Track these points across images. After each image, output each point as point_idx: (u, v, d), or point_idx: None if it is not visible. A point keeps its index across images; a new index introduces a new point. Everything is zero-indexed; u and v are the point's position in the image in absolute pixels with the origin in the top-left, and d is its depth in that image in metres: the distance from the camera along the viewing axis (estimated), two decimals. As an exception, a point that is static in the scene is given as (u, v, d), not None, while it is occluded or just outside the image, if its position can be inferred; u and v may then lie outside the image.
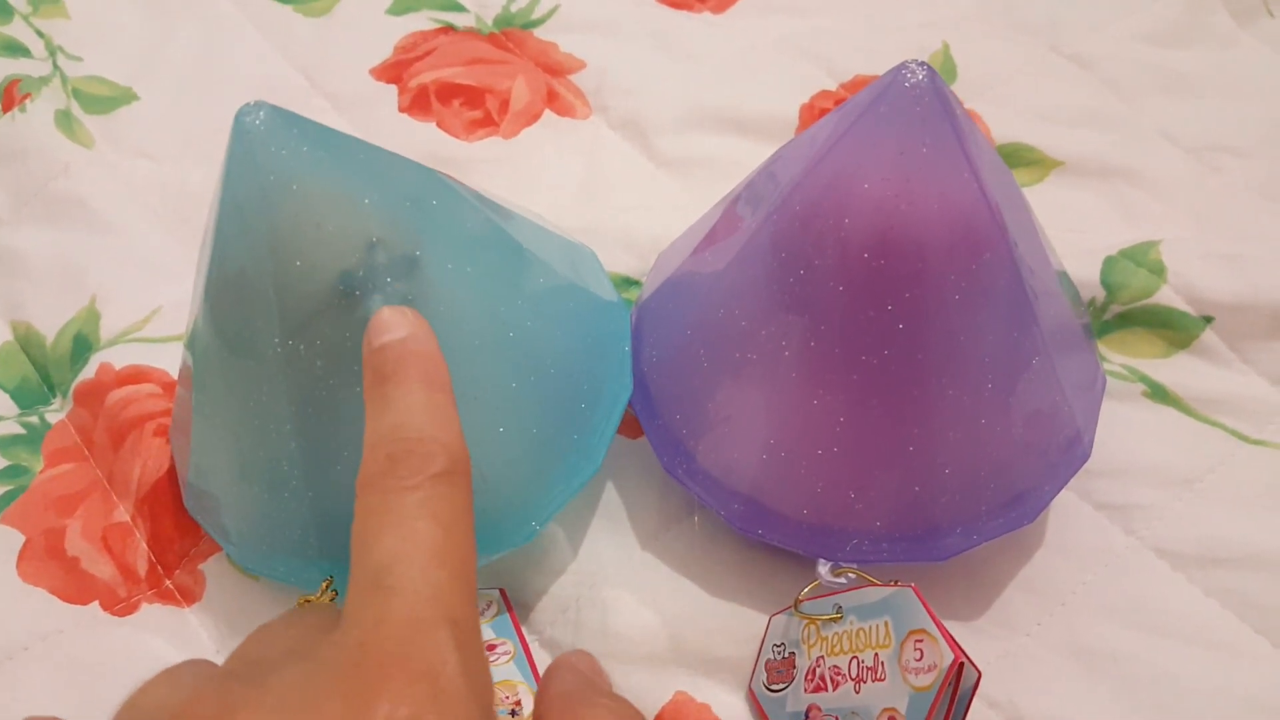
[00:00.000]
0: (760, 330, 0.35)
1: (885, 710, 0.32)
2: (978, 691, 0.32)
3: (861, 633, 0.34)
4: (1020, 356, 0.35)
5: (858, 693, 0.33)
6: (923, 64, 0.32)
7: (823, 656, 0.35)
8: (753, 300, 0.36)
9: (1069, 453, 0.38)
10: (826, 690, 0.34)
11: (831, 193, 0.33)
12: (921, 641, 0.32)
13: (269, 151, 0.32)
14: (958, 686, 0.31)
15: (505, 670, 0.36)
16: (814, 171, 0.34)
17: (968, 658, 0.31)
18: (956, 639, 0.31)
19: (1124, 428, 0.42)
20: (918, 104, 0.32)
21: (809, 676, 0.35)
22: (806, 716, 0.35)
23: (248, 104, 0.32)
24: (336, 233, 0.32)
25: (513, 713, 0.34)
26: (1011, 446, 0.36)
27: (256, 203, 0.32)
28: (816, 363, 0.35)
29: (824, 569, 0.36)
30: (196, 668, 0.23)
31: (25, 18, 0.57)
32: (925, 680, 0.31)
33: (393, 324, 0.26)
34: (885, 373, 0.34)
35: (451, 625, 0.21)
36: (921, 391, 0.34)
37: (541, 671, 0.37)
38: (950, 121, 0.32)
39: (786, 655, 0.36)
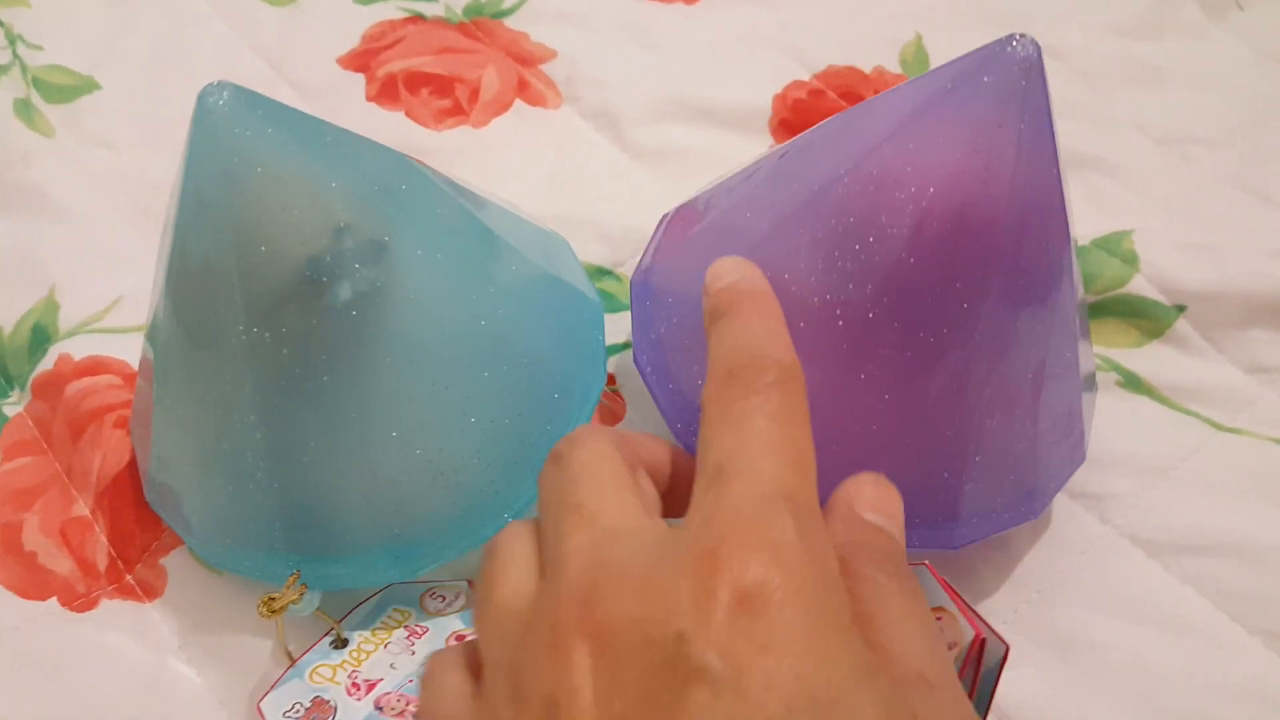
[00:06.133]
0: (812, 298, 0.33)
1: None
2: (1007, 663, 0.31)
3: None
4: (1058, 350, 0.34)
5: None
6: (1029, 37, 0.30)
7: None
8: (807, 265, 0.33)
9: (1076, 451, 0.37)
10: None
11: (917, 159, 0.31)
12: (941, 619, 0.31)
13: (233, 133, 0.31)
14: (980, 662, 0.31)
15: None
16: (898, 135, 0.32)
17: (993, 631, 0.30)
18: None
19: (1099, 417, 0.42)
20: (1024, 78, 0.30)
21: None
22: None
23: (211, 84, 0.32)
24: (303, 217, 0.32)
25: None
26: (1036, 440, 0.35)
27: (220, 186, 0.31)
28: (872, 335, 0.33)
29: None
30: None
31: (-17, 5, 0.55)
32: None
33: (724, 270, 0.28)
34: (939, 352, 0.33)
35: (788, 500, 0.22)
36: (970, 375, 0.33)
37: None
38: (1047, 102, 0.30)
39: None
